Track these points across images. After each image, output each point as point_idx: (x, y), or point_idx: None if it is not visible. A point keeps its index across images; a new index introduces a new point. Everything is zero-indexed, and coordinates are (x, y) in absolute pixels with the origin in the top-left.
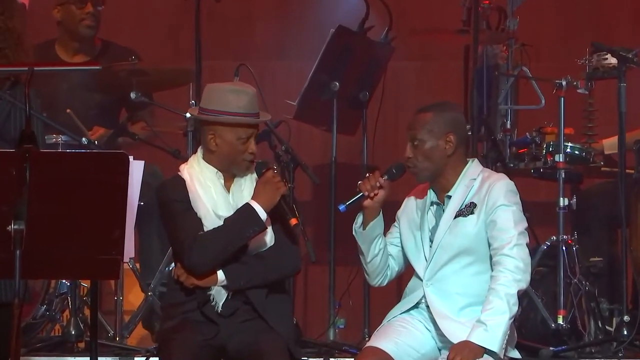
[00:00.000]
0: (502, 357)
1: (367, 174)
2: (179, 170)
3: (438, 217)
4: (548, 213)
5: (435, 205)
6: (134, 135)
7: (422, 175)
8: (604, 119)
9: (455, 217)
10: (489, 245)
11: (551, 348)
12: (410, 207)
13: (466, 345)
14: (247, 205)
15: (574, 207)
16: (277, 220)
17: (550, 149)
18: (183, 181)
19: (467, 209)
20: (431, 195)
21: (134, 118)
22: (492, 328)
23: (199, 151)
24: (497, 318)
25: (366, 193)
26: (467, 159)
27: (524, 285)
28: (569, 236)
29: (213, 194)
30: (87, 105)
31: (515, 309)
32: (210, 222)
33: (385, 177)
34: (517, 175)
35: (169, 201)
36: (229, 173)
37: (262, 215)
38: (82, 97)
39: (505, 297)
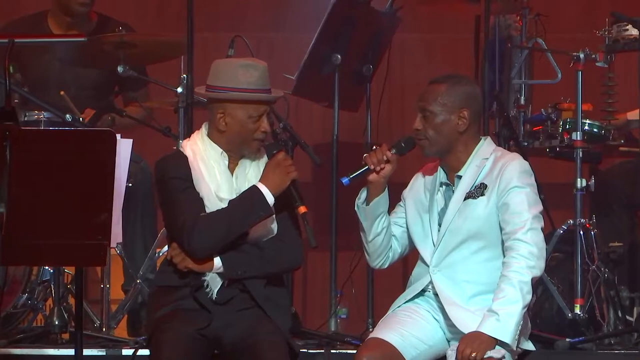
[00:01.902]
0: (515, 348)
1: (374, 147)
2: (181, 146)
3: (448, 198)
4: (564, 195)
5: (444, 186)
6: (121, 112)
7: (430, 149)
8: (624, 94)
9: (464, 199)
10: (501, 229)
11: (568, 339)
12: (417, 187)
13: (477, 336)
14: (254, 187)
15: (592, 188)
16: (282, 210)
17: (567, 127)
18: (185, 157)
19: (477, 191)
20: (440, 175)
21: (127, 100)
22: (504, 318)
23: (204, 128)
24: (509, 307)
25: (372, 166)
26: (480, 137)
27: (538, 272)
28: (587, 220)
29: (216, 175)
30: (80, 85)
31: (528, 297)
32: (212, 204)
33: (393, 150)
34: (532, 154)
35: (169, 178)
36: (236, 154)
37: (270, 199)
38: (74, 76)
39: (518, 285)
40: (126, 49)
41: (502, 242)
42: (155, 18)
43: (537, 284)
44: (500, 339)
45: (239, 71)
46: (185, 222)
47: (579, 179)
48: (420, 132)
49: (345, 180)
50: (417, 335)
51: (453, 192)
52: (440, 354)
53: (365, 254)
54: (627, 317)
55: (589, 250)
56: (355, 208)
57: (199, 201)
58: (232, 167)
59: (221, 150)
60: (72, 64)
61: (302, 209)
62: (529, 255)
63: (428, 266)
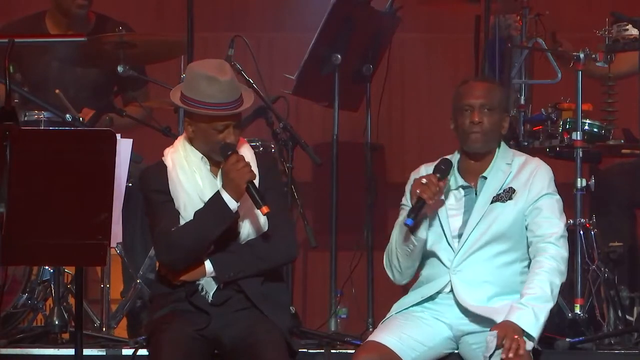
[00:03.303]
0: (534, 346)
1: (423, 180)
2: (163, 155)
3: (469, 201)
4: (565, 195)
5: (462, 189)
6: (121, 111)
7: (484, 145)
8: (624, 94)
9: (492, 202)
10: (530, 232)
11: (568, 339)
12: None
13: (513, 327)
14: (217, 195)
15: (592, 188)
16: (270, 204)
17: (567, 126)
18: (165, 168)
19: (506, 195)
20: (458, 180)
21: (126, 99)
22: (537, 314)
23: (185, 133)
24: (542, 305)
25: (430, 201)
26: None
27: (563, 280)
28: (587, 220)
29: (198, 180)
30: (80, 85)
31: (554, 301)
32: (194, 209)
33: (439, 176)
34: (532, 154)
35: (149, 191)
36: (212, 158)
37: (232, 204)
38: (74, 76)
39: (550, 286)
40: (126, 48)
41: (524, 247)
42: (155, 18)
43: None
44: (530, 333)
45: (202, 84)
46: (157, 238)
47: (578, 179)
48: (480, 125)
49: (409, 221)
50: (417, 338)
51: (476, 194)
52: (442, 355)
53: (397, 276)
54: (627, 317)
55: (589, 250)
56: (411, 246)
57: (172, 216)
58: (215, 170)
59: (201, 155)
60: (71, 64)
61: (265, 210)
62: (561, 260)
63: (445, 267)
